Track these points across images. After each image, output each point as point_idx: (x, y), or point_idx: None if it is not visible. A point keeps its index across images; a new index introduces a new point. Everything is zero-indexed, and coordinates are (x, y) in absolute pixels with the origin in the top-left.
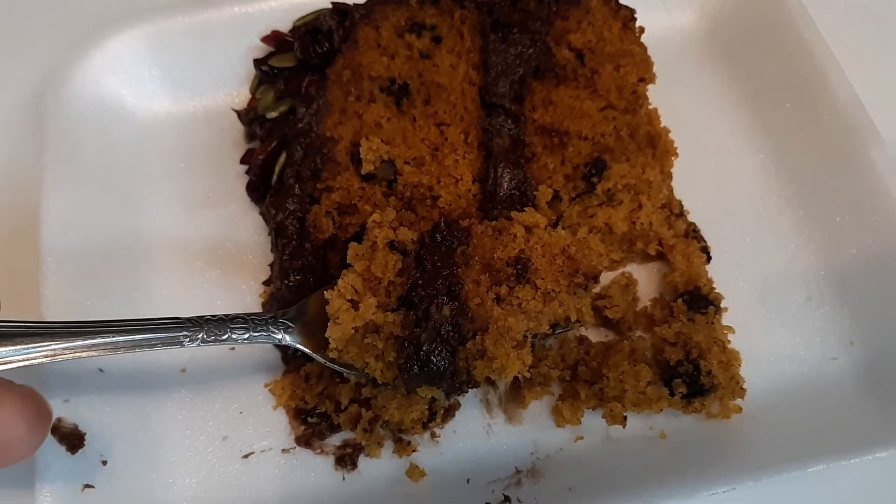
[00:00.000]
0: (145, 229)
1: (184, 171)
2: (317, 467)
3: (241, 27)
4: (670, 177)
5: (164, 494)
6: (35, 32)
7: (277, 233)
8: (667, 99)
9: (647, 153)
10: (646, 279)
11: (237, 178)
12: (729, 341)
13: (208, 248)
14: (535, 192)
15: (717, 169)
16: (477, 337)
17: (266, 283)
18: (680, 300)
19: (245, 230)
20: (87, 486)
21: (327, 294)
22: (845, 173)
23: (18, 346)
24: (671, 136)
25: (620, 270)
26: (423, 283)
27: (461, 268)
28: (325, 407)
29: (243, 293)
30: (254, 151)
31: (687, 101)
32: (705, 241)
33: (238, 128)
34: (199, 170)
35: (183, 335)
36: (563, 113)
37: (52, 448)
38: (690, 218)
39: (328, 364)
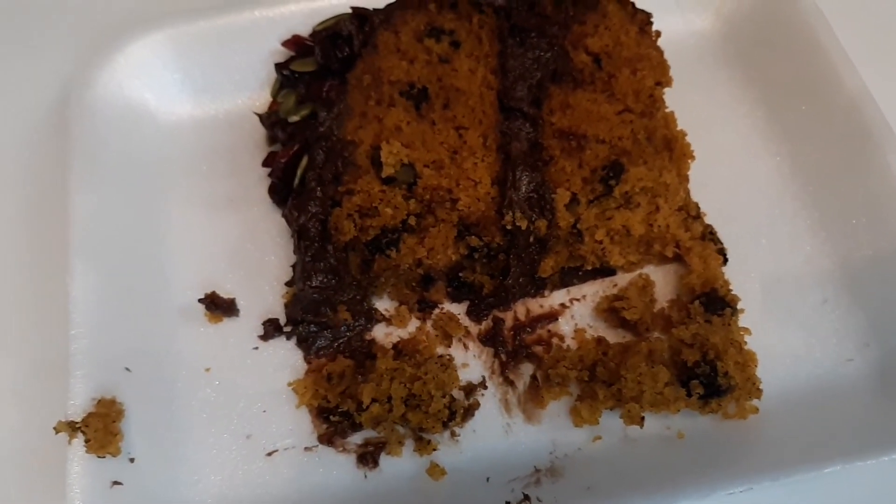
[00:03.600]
0: (169, 231)
1: (206, 174)
2: (339, 465)
3: (262, 31)
4: (687, 179)
5: (189, 492)
6: (59, 36)
7: (300, 235)
8: (683, 102)
9: (663, 156)
10: (663, 280)
11: (258, 180)
12: (745, 342)
13: (231, 249)
14: (553, 196)
15: (732, 171)
16: None
17: (289, 283)
18: (697, 302)
19: (267, 232)
20: (116, 482)
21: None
22: (861, 176)
23: None
24: (687, 138)
25: (638, 272)
26: None
27: None
28: (347, 406)
29: (265, 294)
30: (276, 154)
31: (703, 104)
32: (721, 244)
33: (259, 131)
34: (220, 172)
35: None
36: (580, 116)
37: (81, 446)
38: (707, 220)
39: None
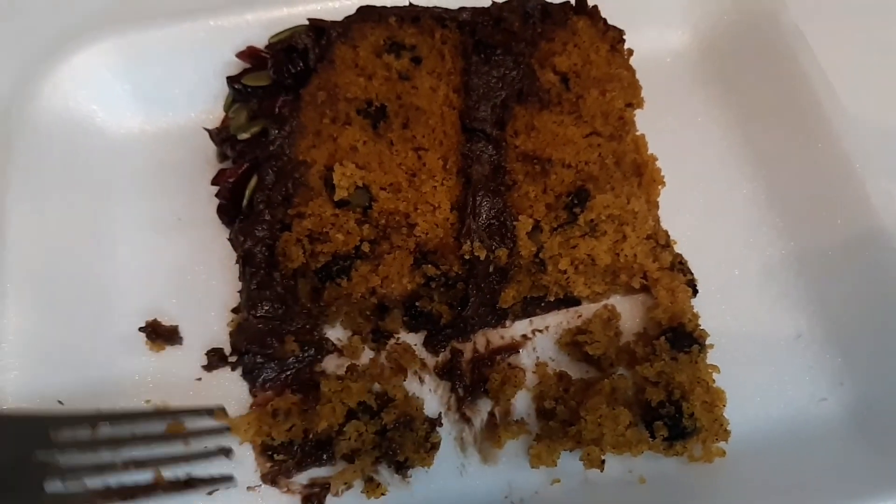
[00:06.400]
0: (112, 252)
1: (155, 191)
2: None
3: (217, 41)
4: (656, 206)
5: None
6: (1, 44)
7: (245, 261)
8: (656, 123)
9: (632, 182)
10: (629, 312)
11: (210, 198)
12: (713, 380)
13: (177, 272)
14: (514, 223)
15: (706, 197)
16: None
17: (235, 310)
18: (663, 338)
19: (216, 254)
20: None
21: None
22: (839, 205)
23: None
24: (658, 163)
25: (603, 303)
26: None
27: None
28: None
29: (211, 320)
30: (225, 172)
31: (677, 126)
32: (692, 274)
33: (212, 146)
34: (170, 189)
35: None
36: (545, 139)
37: None
38: (677, 249)
39: None
